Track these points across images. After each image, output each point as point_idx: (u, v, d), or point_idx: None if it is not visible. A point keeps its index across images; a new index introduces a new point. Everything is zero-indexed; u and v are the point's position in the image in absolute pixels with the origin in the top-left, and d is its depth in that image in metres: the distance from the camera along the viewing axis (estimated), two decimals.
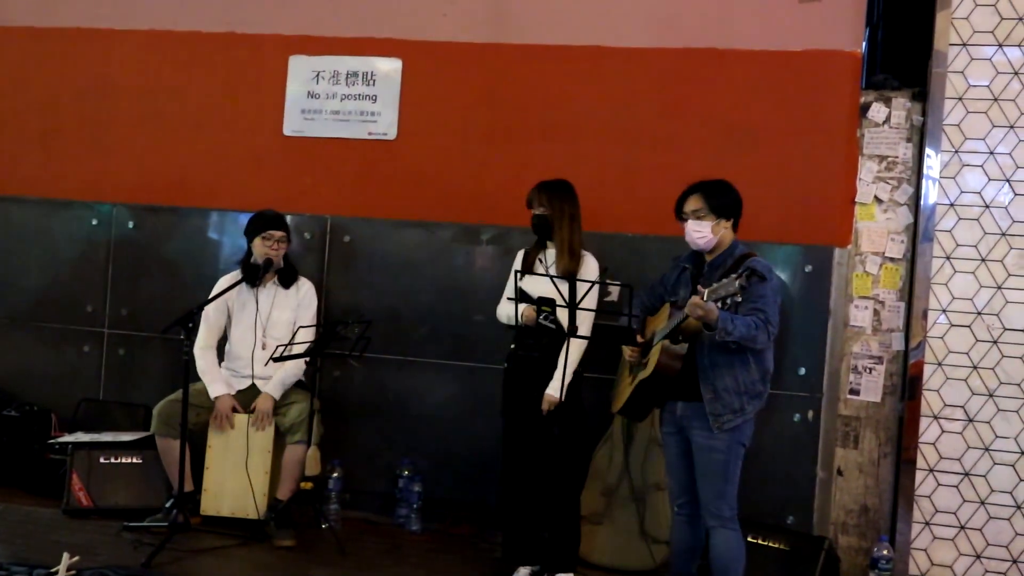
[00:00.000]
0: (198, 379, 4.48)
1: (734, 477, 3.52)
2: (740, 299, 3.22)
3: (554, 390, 3.86)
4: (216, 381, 4.49)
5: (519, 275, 3.94)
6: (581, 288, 3.70)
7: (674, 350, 3.45)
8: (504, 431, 4.06)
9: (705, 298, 3.23)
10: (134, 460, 4.62)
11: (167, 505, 4.36)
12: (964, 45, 4.30)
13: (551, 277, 3.81)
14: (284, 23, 5.03)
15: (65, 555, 3.64)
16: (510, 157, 4.75)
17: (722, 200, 3.55)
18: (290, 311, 4.56)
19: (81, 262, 5.22)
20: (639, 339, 3.68)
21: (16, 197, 5.31)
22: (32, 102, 5.32)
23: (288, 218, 4.65)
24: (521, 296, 3.93)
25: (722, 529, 3.50)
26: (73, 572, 3.63)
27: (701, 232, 3.54)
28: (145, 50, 5.18)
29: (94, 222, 5.20)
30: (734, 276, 3.19)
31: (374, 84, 4.95)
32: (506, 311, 4.10)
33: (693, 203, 3.55)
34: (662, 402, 3.68)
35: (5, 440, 4.92)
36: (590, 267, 4.00)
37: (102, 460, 4.60)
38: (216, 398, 4.46)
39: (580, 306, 3.68)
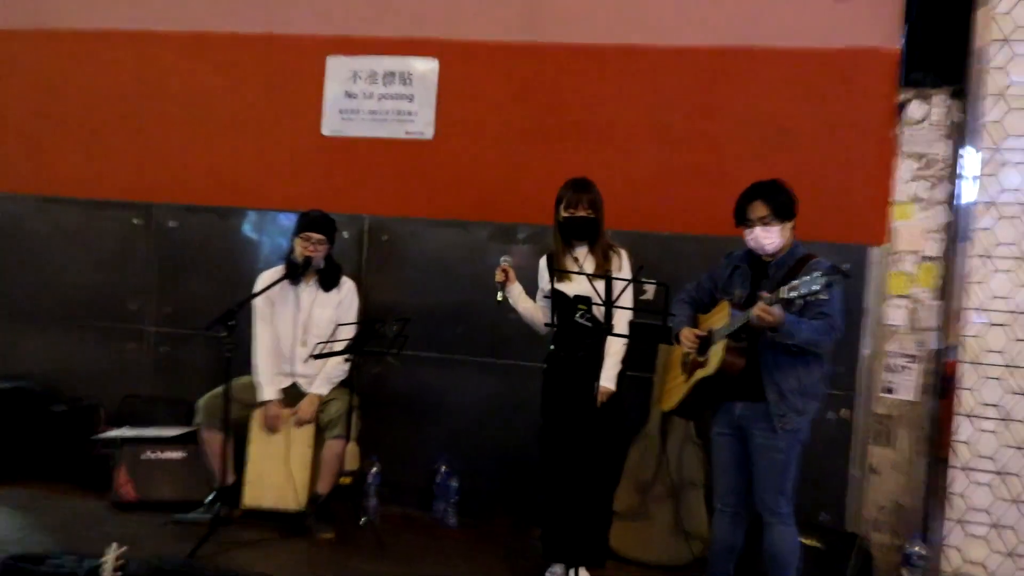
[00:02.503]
0: (240, 374, 4.53)
1: (793, 474, 3.51)
2: (824, 297, 3.15)
3: (608, 380, 3.87)
4: (268, 384, 4.53)
5: (556, 277, 3.95)
6: (617, 287, 3.72)
7: (738, 348, 3.41)
8: (543, 431, 4.06)
9: (777, 297, 3.18)
10: (178, 455, 4.73)
11: (209, 499, 4.46)
12: (1005, 41, 4.24)
13: (589, 276, 3.81)
14: (322, 24, 5.08)
15: (113, 546, 3.71)
16: (546, 156, 4.78)
17: (784, 202, 3.49)
18: (331, 309, 4.61)
19: (124, 261, 5.31)
20: (696, 336, 3.59)
21: (60, 198, 5.41)
22: (75, 104, 5.42)
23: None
24: (558, 298, 3.94)
25: (779, 525, 3.49)
26: (121, 562, 3.70)
27: (771, 238, 3.48)
28: (185, 52, 5.26)
29: (136, 222, 5.30)
30: (818, 274, 3.09)
31: (411, 84, 4.99)
32: (539, 317, 4.08)
33: (759, 210, 3.47)
34: (718, 402, 3.63)
35: (54, 435, 5.03)
36: (625, 260, 3.99)
37: (148, 454, 4.71)
38: (265, 402, 4.52)
39: (618, 304, 3.69)
